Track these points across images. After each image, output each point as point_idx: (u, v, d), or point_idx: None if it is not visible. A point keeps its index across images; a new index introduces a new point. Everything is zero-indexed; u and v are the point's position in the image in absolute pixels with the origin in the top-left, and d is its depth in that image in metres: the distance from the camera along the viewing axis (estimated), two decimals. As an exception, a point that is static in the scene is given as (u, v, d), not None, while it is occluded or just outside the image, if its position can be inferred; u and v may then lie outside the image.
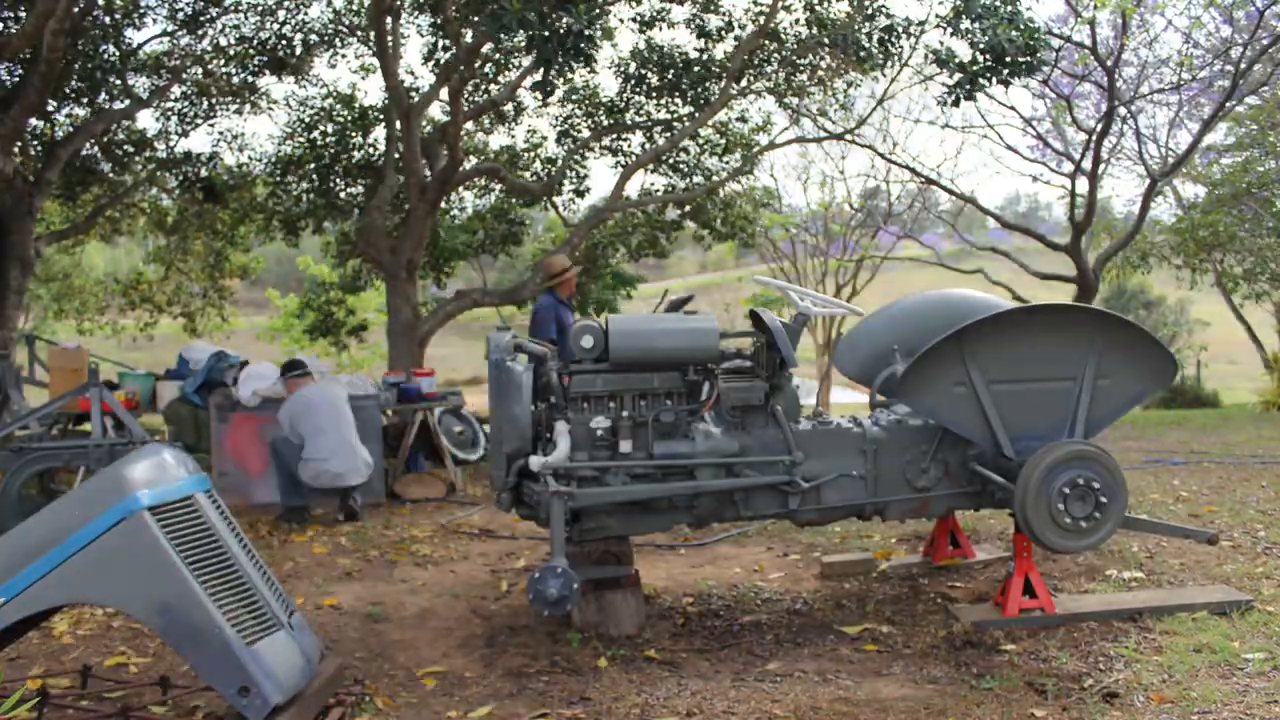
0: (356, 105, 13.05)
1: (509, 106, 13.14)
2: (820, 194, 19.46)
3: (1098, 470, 4.11)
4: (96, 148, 12.82)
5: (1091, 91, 16.27)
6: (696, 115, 11.41)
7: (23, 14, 10.14)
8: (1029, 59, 9.36)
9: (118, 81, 12.08)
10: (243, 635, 3.11)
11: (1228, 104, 14.37)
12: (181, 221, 15.41)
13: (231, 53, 12.37)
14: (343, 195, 13.32)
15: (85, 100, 12.08)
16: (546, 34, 7.50)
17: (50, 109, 11.72)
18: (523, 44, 8.86)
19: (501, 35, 7.57)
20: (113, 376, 8.76)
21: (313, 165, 12.96)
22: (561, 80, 8.91)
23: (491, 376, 4.29)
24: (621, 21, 11.54)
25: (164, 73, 12.36)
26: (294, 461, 6.90)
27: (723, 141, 13.12)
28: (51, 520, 3.16)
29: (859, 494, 4.46)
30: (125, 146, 13.23)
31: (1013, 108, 16.71)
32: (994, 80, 9.58)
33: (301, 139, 13.15)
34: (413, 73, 12.89)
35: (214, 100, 12.90)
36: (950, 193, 17.62)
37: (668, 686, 3.76)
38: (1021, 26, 9.22)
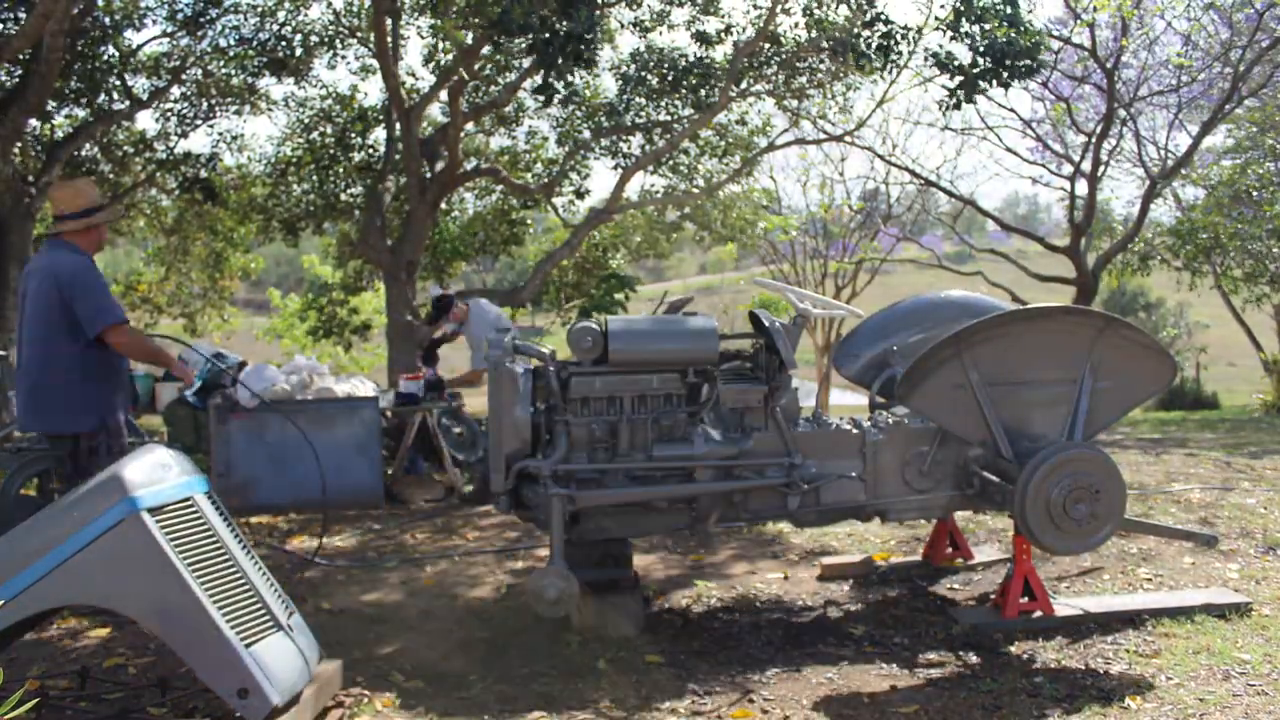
0: (356, 106, 13.05)
1: (509, 108, 13.15)
2: (820, 196, 19.42)
3: (1097, 472, 4.11)
4: (96, 149, 12.83)
5: (1091, 94, 16.28)
6: (696, 117, 11.41)
7: (22, 15, 10.14)
8: (1029, 61, 9.36)
9: (117, 83, 12.08)
10: (242, 636, 3.10)
11: (1227, 106, 14.39)
12: (181, 222, 15.41)
13: (231, 54, 12.38)
14: (343, 196, 13.32)
15: (85, 101, 12.08)
16: (547, 37, 7.50)
17: (50, 110, 11.72)
18: (524, 47, 8.87)
19: (503, 39, 7.57)
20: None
21: (312, 166, 12.96)
22: (562, 84, 8.93)
23: (491, 378, 4.28)
24: (622, 25, 11.55)
25: (163, 74, 12.37)
26: None
27: (722, 143, 13.12)
28: (51, 521, 3.15)
29: (858, 495, 4.46)
30: (125, 147, 13.24)
31: (1012, 110, 16.79)
32: (994, 83, 9.59)
33: (301, 140, 13.16)
34: (413, 74, 12.85)
35: (213, 101, 12.90)
36: (950, 194, 17.63)
37: (667, 688, 3.76)
38: (1021, 28, 9.22)
